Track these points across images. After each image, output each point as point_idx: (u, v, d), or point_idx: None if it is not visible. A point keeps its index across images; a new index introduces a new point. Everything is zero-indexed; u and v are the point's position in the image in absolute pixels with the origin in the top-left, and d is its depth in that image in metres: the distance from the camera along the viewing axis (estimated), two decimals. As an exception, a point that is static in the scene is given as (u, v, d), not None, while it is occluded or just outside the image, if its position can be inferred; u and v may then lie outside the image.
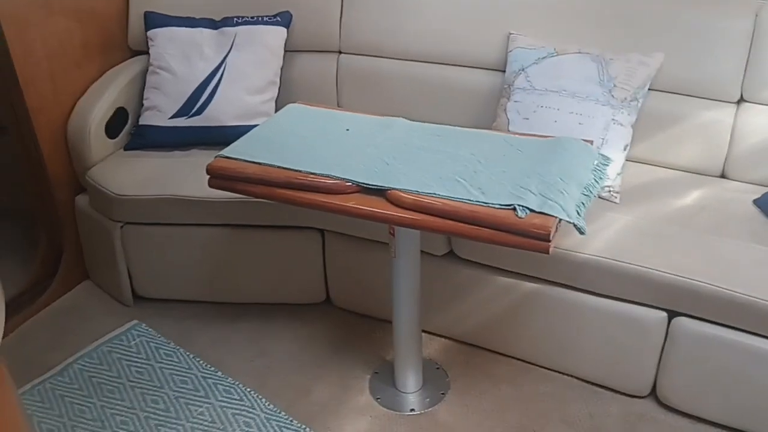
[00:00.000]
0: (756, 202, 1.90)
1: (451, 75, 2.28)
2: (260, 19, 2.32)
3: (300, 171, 1.59)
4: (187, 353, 2.11)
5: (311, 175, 1.58)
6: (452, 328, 2.10)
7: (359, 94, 2.40)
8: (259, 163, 1.62)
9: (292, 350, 2.13)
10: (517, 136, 1.74)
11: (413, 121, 1.82)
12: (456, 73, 2.27)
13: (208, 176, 1.67)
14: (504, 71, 2.14)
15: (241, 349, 2.14)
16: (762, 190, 1.92)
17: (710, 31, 1.96)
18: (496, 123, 2.09)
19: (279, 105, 2.24)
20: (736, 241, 1.76)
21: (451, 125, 1.81)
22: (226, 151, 1.68)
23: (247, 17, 2.32)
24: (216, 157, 1.68)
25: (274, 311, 2.26)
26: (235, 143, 1.72)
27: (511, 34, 2.15)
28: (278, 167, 1.61)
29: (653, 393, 1.88)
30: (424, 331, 2.11)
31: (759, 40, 1.92)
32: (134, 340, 2.18)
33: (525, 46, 2.08)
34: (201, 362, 2.08)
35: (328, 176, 1.57)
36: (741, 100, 1.99)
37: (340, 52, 2.41)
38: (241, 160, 1.64)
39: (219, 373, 2.04)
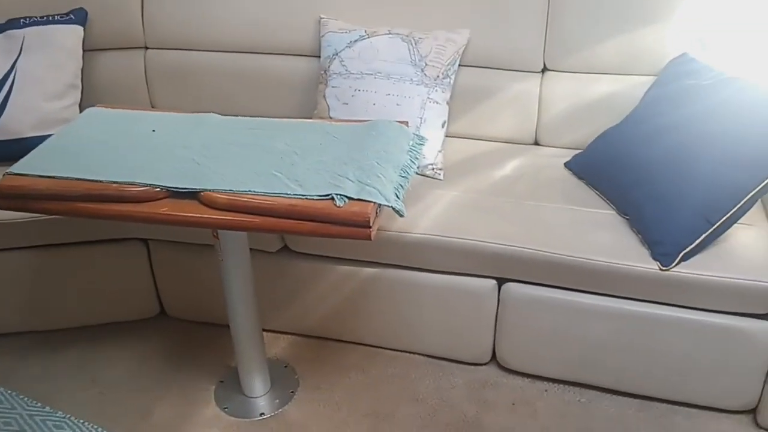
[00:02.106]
0: (567, 165, 2.00)
1: (267, 64, 2.21)
2: (51, 18, 2.11)
3: (101, 181, 1.46)
4: (9, 392, 1.91)
5: (114, 184, 1.45)
6: (296, 323, 2.05)
7: (172, 91, 2.27)
8: (53, 177, 1.48)
9: (127, 372, 1.99)
10: (333, 123, 1.71)
11: (233, 115, 1.73)
12: (272, 61, 2.21)
13: (-3, 197, 1.50)
14: (319, 57, 2.11)
15: (71, 378, 1.97)
16: (572, 153, 2.03)
17: (510, 4, 2.02)
18: (317, 110, 2.06)
19: (85, 110, 2.07)
20: (551, 204, 1.84)
21: (268, 117, 1.74)
22: (16, 167, 1.51)
23: (36, 17, 2.11)
24: (4, 174, 1.51)
25: (105, 332, 2.10)
26: (26, 157, 1.55)
27: (321, 18, 2.11)
28: (76, 179, 1.47)
29: (494, 359, 1.95)
30: (267, 331, 2.05)
31: (554, 9, 2.01)
32: (-56, 386, 1.94)
33: (336, 30, 2.05)
34: (26, 399, 1.89)
35: (133, 183, 1.45)
36: (544, 69, 2.09)
37: (147, 48, 2.26)
38: (32, 175, 1.49)
39: (47, 409, 1.86)
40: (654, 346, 1.73)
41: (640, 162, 1.73)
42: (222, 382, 1.94)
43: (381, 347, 2.02)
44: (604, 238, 1.71)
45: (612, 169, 1.82)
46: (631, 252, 1.67)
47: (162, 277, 2.07)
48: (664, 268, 1.63)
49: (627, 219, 1.76)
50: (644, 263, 1.64)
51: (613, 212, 1.80)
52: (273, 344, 2.05)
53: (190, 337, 2.10)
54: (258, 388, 1.88)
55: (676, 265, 1.62)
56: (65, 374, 1.98)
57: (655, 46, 1.97)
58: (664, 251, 1.63)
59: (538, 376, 1.91)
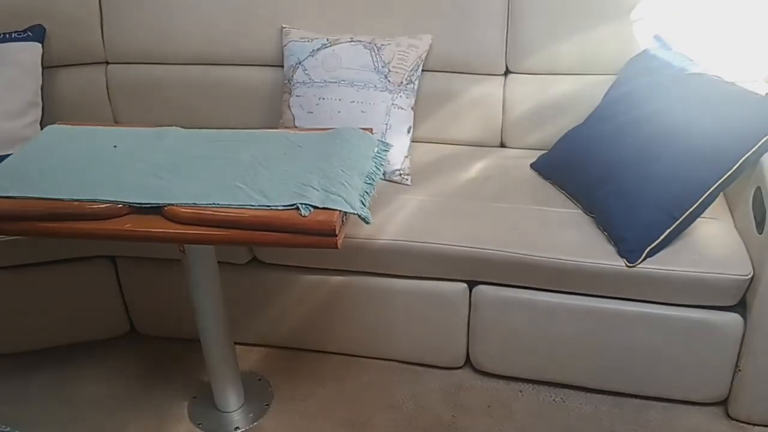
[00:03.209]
0: (533, 165, 2.02)
1: (230, 75, 2.20)
2: (7, 36, 2.09)
3: (62, 199, 1.44)
4: (-23, 418, 1.88)
5: (76, 202, 1.43)
6: (269, 335, 2.03)
7: (136, 106, 2.25)
8: (14, 197, 1.45)
9: (98, 392, 1.95)
10: (297, 132, 1.70)
11: (198, 128, 1.72)
12: (235, 72, 2.20)
13: (-45, 220, 1.47)
14: (283, 66, 2.10)
15: (42, 400, 1.93)
16: (537, 154, 2.04)
17: (470, 8, 2.03)
18: (283, 120, 2.05)
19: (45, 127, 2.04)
20: (519, 205, 1.85)
21: (233, 128, 1.73)
22: (-26, 189, 1.49)
23: (-8, 35, 2.09)
24: (-37, 196, 1.48)
25: (75, 352, 2.07)
26: (-15, 178, 1.53)
27: (283, 27, 2.11)
28: (37, 198, 1.45)
29: (468, 362, 1.95)
30: (239, 344, 2.03)
31: (513, 13, 2.02)
32: None
33: (298, 39, 2.05)
34: (-6, 424, 1.86)
35: (95, 200, 1.43)
36: (507, 71, 2.10)
37: (108, 63, 2.24)
38: (-9, 196, 1.46)
39: (16, 433, 1.83)
40: (625, 342, 1.74)
41: (603, 161, 1.75)
42: (195, 397, 1.92)
43: (355, 355, 2.01)
44: (572, 237, 1.72)
45: (576, 168, 1.83)
46: (598, 250, 1.68)
47: (131, 295, 2.04)
48: (630, 265, 1.64)
49: (593, 217, 1.77)
50: (611, 261, 1.66)
51: (579, 211, 1.81)
52: (246, 357, 2.03)
53: (161, 353, 2.08)
54: (232, 402, 1.86)
55: (643, 261, 1.64)
56: (35, 397, 1.94)
57: (616, 44, 1.99)
58: (630, 248, 1.64)
59: (512, 378, 1.92)
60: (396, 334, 1.93)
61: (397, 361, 1.99)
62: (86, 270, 1.97)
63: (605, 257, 1.66)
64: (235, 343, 1.86)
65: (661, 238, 1.63)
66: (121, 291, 2.03)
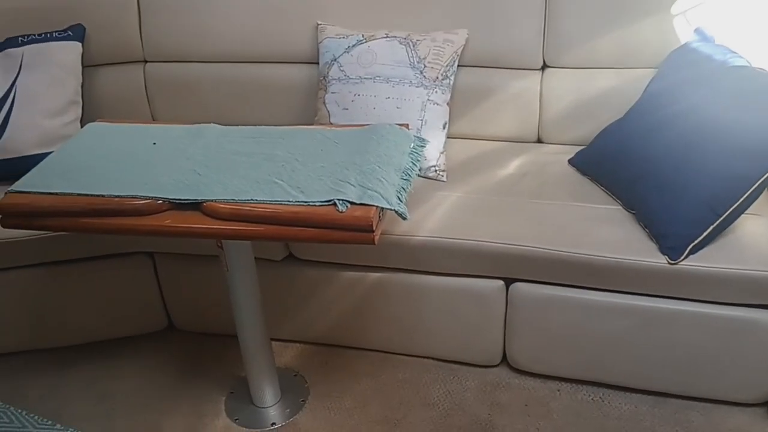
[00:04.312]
0: (571, 161, 1.99)
1: (266, 72, 2.21)
2: (49, 35, 2.12)
3: (103, 195, 1.46)
4: (19, 410, 1.91)
5: (116, 198, 1.45)
6: (304, 331, 2.04)
7: (173, 104, 2.27)
8: (55, 194, 1.47)
9: (136, 386, 1.98)
10: (334, 128, 1.70)
11: (233, 125, 1.73)
12: (271, 70, 2.21)
13: (0, 216, 1.50)
14: (318, 63, 2.10)
15: (81, 394, 1.96)
16: (575, 150, 2.01)
17: (507, 2, 2.01)
18: (318, 117, 2.05)
19: (85, 125, 2.07)
20: (556, 202, 1.83)
21: (269, 125, 1.74)
22: (17, 185, 1.51)
23: (34, 35, 2.12)
24: (6, 192, 1.51)
25: (113, 347, 2.10)
26: (28, 175, 1.55)
27: (319, 24, 2.11)
28: (78, 195, 1.47)
29: (504, 360, 1.93)
30: (275, 340, 2.04)
31: (551, 6, 2.00)
32: (-45, 407, 1.94)
33: (334, 36, 2.05)
34: (36, 417, 1.89)
35: (135, 197, 1.45)
36: (544, 66, 2.08)
37: (146, 61, 2.27)
38: (34, 192, 1.49)
39: (57, 426, 1.86)
40: (666, 341, 1.71)
41: (644, 155, 1.72)
42: (232, 393, 1.93)
43: (390, 352, 2.01)
44: (611, 234, 1.69)
45: (616, 163, 1.80)
46: (639, 247, 1.65)
47: (169, 290, 2.06)
48: (672, 262, 1.61)
49: (633, 213, 1.74)
50: (652, 258, 1.63)
51: (619, 207, 1.78)
52: (282, 353, 2.04)
53: (199, 349, 2.10)
54: (268, 397, 1.87)
55: (685, 258, 1.60)
56: (75, 390, 1.98)
57: (656, 37, 1.95)
58: (672, 245, 1.61)
59: (550, 376, 1.89)
60: (432, 331, 1.92)
61: (433, 358, 1.98)
62: (125, 266, 2.00)
63: (646, 254, 1.63)
64: (272, 339, 1.87)
65: (704, 234, 1.59)
66: (159, 287, 2.06)
